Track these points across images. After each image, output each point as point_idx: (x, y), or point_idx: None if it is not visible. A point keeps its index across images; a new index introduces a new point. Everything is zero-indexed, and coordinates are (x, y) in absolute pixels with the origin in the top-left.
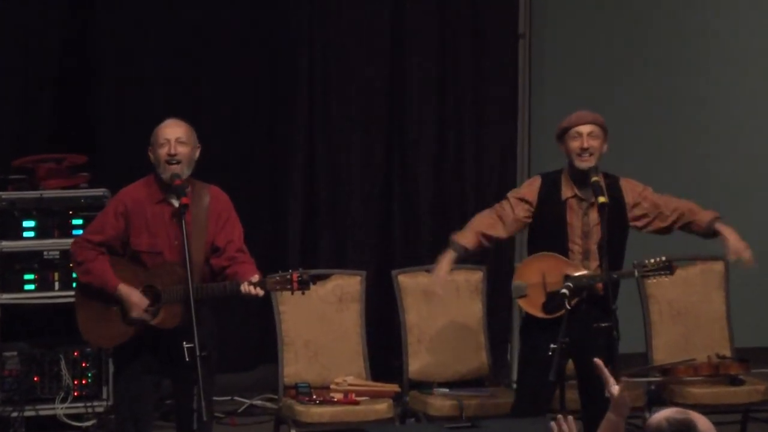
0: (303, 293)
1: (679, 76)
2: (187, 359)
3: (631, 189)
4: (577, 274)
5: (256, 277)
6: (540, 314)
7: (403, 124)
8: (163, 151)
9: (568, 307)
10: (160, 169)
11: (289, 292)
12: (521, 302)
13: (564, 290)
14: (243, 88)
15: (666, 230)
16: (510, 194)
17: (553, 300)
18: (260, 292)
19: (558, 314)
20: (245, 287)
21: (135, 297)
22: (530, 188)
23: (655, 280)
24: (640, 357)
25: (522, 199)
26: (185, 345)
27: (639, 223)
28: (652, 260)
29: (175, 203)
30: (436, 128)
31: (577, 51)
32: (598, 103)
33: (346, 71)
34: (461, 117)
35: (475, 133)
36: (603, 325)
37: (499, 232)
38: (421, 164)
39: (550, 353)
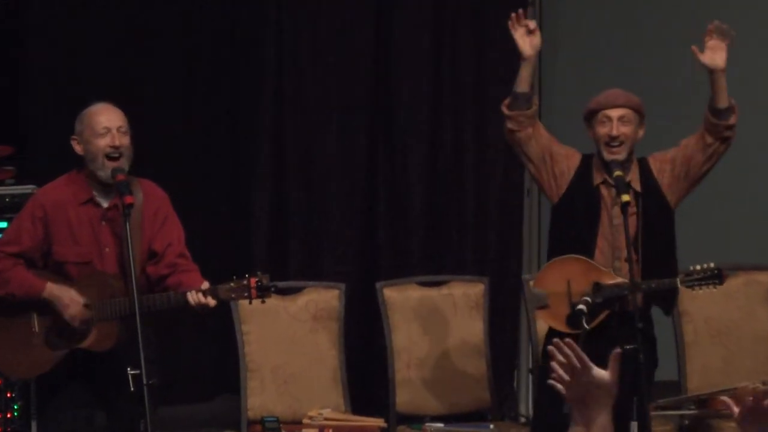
0: (263, 302)
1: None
2: (132, 388)
3: (659, 160)
4: (609, 282)
5: (205, 284)
6: (563, 329)
7: (390, 108)
8: (102, 143)
9: (587, 327)
10: (96, 164)
11: (248, 303)
12: (541, 314)
13: (581, 306)
14: (197, 65)
15: (707, 161)
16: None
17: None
18: (212, 302)
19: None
20: (195, 297)
21: (68, 294)
22: (571, 156)
23: (701, 291)
24: (672, 385)
25: (564, 155)
26: (130, 371)
27: (679, 186)
28: (698, 267)
29: (104, 203)
30: (429, 114)
31: (595, 20)
32: (620, 80)
33: (320, 45)
34: (459, 100)
35: (476, 119)
36: (627, 347)
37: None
38: (412, 157)
39: None
